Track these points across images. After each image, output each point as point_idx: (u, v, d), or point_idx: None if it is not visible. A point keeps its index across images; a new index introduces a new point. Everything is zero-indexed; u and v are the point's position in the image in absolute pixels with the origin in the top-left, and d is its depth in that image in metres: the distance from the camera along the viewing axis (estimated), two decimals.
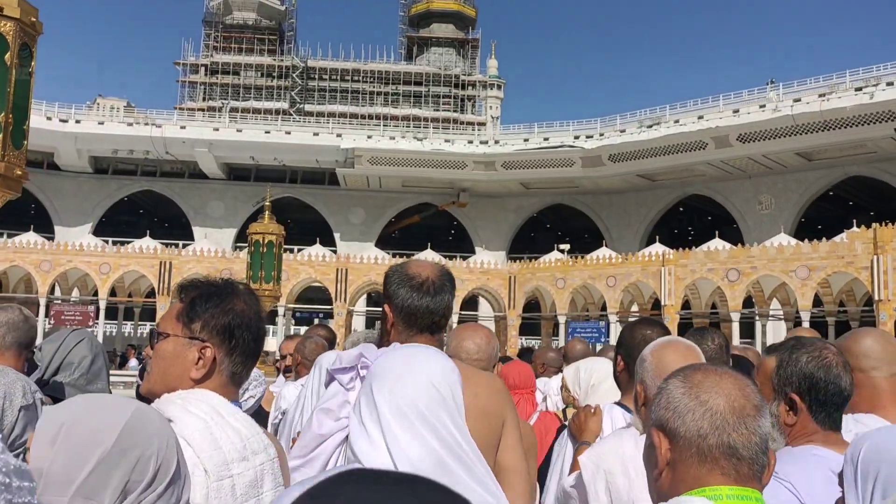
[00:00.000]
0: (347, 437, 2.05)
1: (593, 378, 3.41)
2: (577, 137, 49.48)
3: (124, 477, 1.19)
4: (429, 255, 42.96)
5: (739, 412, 1.37)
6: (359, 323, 46.20)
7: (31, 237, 42.27)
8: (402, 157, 50.77)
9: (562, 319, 39.74)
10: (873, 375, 2.30)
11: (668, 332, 2.68)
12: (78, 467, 1.17)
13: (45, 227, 50.35)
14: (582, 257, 40.73)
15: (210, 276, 1.75)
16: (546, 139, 50.44)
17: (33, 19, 3.07)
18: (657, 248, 38.82)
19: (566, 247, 44.30)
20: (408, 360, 1.70)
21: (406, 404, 1.61)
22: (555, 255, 43.03)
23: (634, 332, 2.91)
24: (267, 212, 9.62)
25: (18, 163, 3.01)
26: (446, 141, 51.52)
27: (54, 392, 2.23)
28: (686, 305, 38.05)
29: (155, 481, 1.22)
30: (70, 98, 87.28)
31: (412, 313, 2.17)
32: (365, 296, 45.84)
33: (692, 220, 55.43)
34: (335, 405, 2.11)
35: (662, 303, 36.47)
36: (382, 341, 2.24)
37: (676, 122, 45.98)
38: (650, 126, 47.12)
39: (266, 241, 8.83)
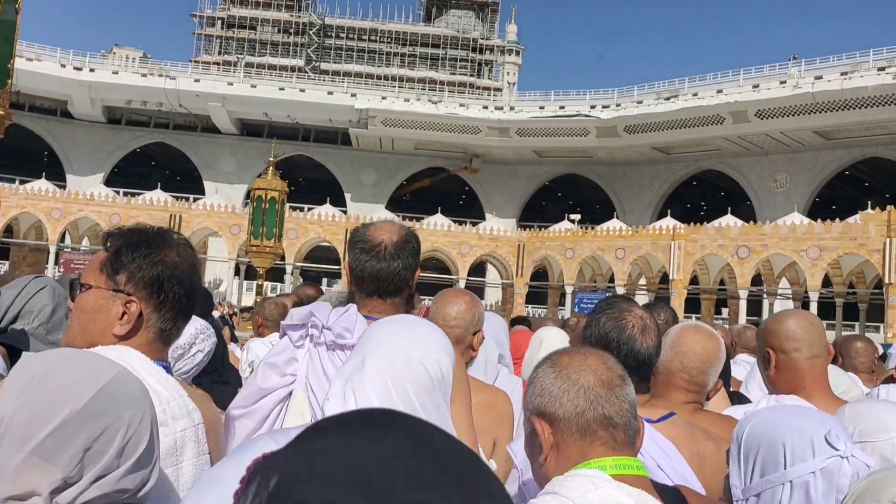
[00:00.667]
0: (290, 393, 2.06)
1: None
2: (593, 107, 48.97)
3: (85, 444, 1.08)
4: (438, 220, 42.86)
5: (608, 384, 1.46)
6: None
7: (42, 184, 42.36)
8: (415, 120, 50.41)
9: (569, 289, 39.68)
10: (794, 357, 2.33)
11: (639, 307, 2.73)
12: (41, 423, 1.07)
13: (57, 175, 50.44)
14: (592, 228, 40.54)
15: (151, 225, 1.60)
16: (562, 107, 49.94)
17: None
18: (668, 221, 38.58)
19: (577, 217, 44.10)
20: (401, 337, 1.60)
21: (394, 387, 1.52)
22: (565, 224, 42.84)
23: (608, 309, 2.94)
24: (270, 167, 9.52)
25: (3, 103, 2.92)
26: (461, 105, 51.08)
27: (13, 340, 2.13)
28: (694, 281, 37.90)
29: (121, 457, 1.09)
30: (86, 46, 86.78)
31: (360, 277, 2.14)
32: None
33: (705, 194, 55.00)
34: (281, 361, 2.10)
35: (671, 277, 36.32)
36: (350, 299, 2.22)
37: (695, 95, 45.41)
38: (667, 98, 46.57)
39: (269, 196, 8.75)
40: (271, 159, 9.64)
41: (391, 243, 2.15)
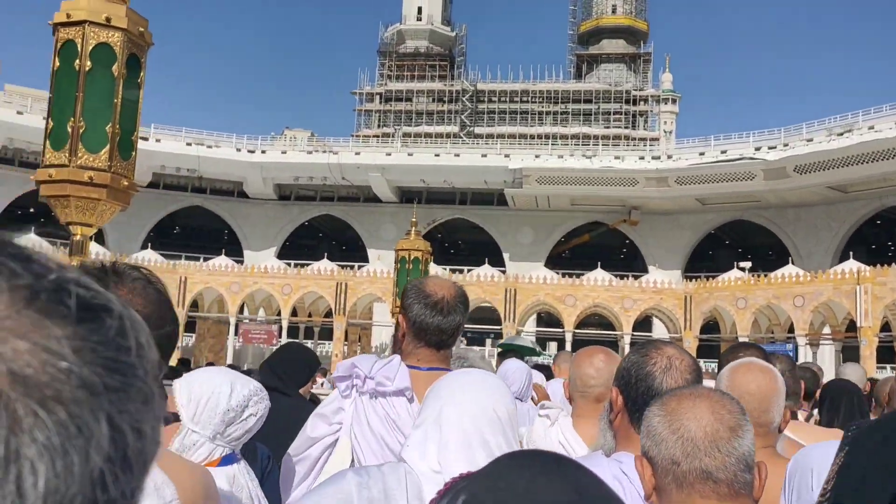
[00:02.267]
0: (336, 441, 2.32)
1: None
2: (758, 149, 46.74)
3: None
4: (599, 275, 41.94)
5: (712, 437, 1.40)
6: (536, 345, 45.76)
7: (222, 261, 45.29)
8: (570, 176, 50.07)
9: (744, 341, 37.34)
10: None
11: (764, 356, 2.70)
12: None
13: (236, 251, 53.87)
14: (765, 275, 38.23)
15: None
16: (723, 152, 48.02)
17: (142, 30, 3.04)
18: (851, 264, 35.74)
19: (747, 264, 41.77)
20: (474, 386, 1.69)
21: (471, 431, 1.62)
22: (734, 273, 40.67)
23: (729, 356, 2.92)
24: (413, 228, 9.59)
25: (126, 173, 2.97)
26: (616, 158, 50.28)
27: None
28: (886, 327, 34.69)
29: None
30: (260, 130, 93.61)
31: (423, 329, 2.30)
32: (534, 316, 45.43)
33: (891, 234, 50.73)
34: (329, 411, 2.34)
35: (858, 324, 33.45)
36: (394, 348, 2.43)
37: (871, 128, 42.33)
38: (840, 134, 43.69)
39: (412, 257, 8.77)
40: (413, 220, 9.72)
41: (451, 298, 2.33)
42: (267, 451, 2.98)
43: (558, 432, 2.71)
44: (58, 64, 2.93)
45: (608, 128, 66.88)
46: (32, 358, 0.35)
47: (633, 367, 2.01)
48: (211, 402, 2.07)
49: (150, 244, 50.21)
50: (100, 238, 48.99)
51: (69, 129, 2.86)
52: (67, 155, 2.83)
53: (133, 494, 0.38)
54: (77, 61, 2.87)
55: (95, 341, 0.37)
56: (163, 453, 1.41)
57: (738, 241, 54.79)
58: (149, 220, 55.40)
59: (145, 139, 52.20)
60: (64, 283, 0.39)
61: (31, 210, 53.33)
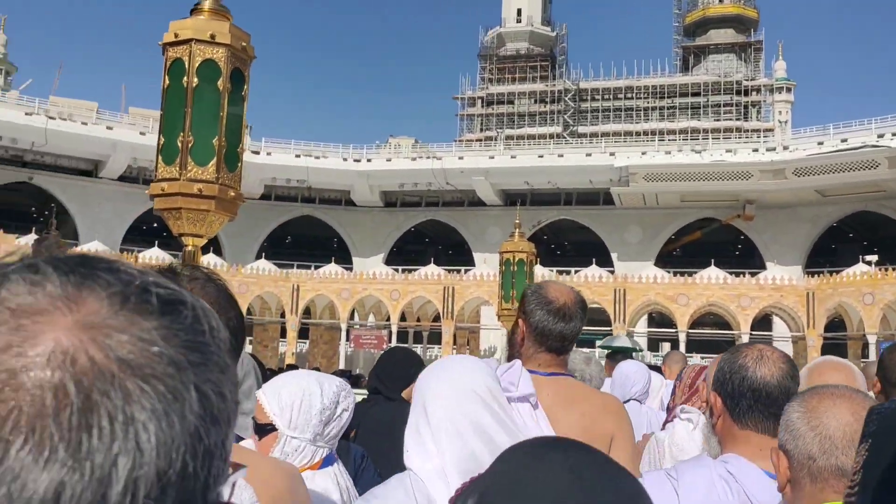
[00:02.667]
0: None
1: None
2: (881, 136, 44.18)
3: None
4: (713, 273, 40.62)
5: (850, 436, 1.42)
6: (640, 344, 44.75)
7: (332, 268, 46.42)
8: (679, 172, 48.73)
9: (871, 339, 35.42)
10: None
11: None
12: None
13: (345, 258, 55.12)
14: (894, 269, 36.10)
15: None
16: (844, 140, 45.64)
17: (244, 44, 3.13)
18: None
19: (873, 258, 39.54)
20: (449, 374, 1.72)
21: (457, 417, 1.63)
22: (860, 267, 38.57)
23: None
24: (517, 230, 9.50)
25: (233, 185, 3.06)
26: (728, 151, 48.58)
27: None
28: None
29: None
30: (366, 139, 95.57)
31: (545, 334, 2.35)
32: (645, 316, 44.43)
33: None
34: None
35: None
36: (511, 352, 2.48)
37: None
38: None
39: (517, 259, 8.70)
40: (517, 222, 9.63)
41: (572, 304, 2.38)
42: (361, 450, 3.00)
43: (701, 435, 2.68)
44: (168, 82, 3.06)
45: (718, 120, 64.77)
46: (132, 346, 0.45)
47: (727, 365, 2.03)
48: (304, 404, 2.07)
49: (263, 254, 52.00)
50: (217, 250, 51.14)
51: (179, 144, 2.98)
52: (178, 169, 2.95)
53: (223, 443, 0.49)
54: (185, 78, 2.99)
55: (177, 328, 0.48)
56: (244, 454, 1.45)
57: (863, 233, 51.93)
58: (262, 231, 57.41)
59: (256, 153, 54.22)
60: (147, 286, 0.49)
61: (155, 225, 56.25)
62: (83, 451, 0.41)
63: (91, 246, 41.47)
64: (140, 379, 0.44)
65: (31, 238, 40.48)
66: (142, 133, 50.57)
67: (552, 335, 2.35)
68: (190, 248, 3.00)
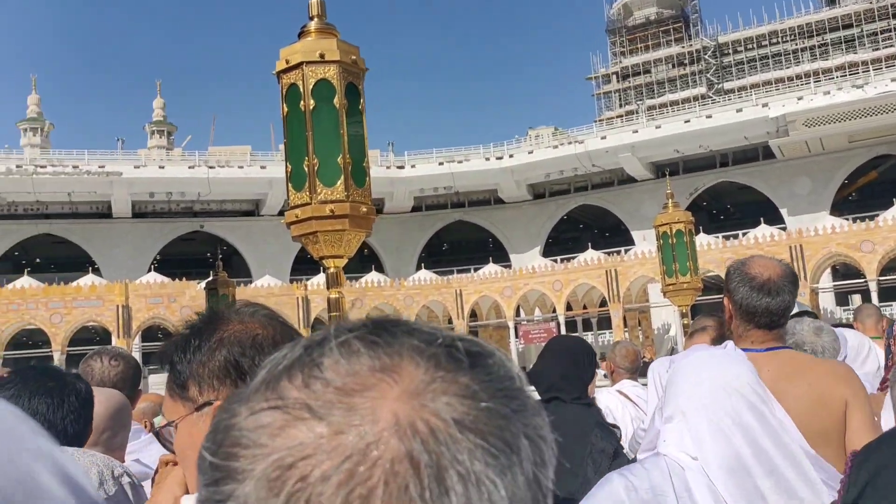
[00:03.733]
0: None
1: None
2: None
3: None
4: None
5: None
6: (827, 300, 41.98)
7: (491, 268, 46.67)
8: (843, 112, 45.28)
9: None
10: None
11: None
12: None
13: (502, 257, 55.30)
14: None
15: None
16: None
17: (354, 58, 3.08)
18: None
19: None
20: (701, 368, 1.82)
21: (720, 415, 1.68)
22: None
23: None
24: (669, 200, 9.00)
25: (364, 200, 3.01)
26: (893, 80, 44.65)
27: None
28: None
29: None
30: (504, 136, 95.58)
31: (751, 312, 2.32)
32: (828, 270, 41.57)
33: None
34: None
35: None
36: (725, 332, 2.55)
37: None
38: None
39: (674, 231, 8.22)
40: (668, 191, 9.14)
41: (777, 277, 2.34)
42: None
43: None
44: (286, 109, 3.07)
45: (877, 49, 59.68)
46: (460, 406, 0.45)
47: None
48: None
49: (422, 265, 53.08)
50: (378, 267, 52.73)
51: (305, 168, 2.98)
52: (308, 193, 2.95)
53: (550, 484, 0.48)
54: (301, 102, 2.98)
55: (490, 380, 0.47)
56: None
57: None
58: (418, 243, 58.64)
59: (401, 167, 55.55)
60: (451, 342, 0.49)
61: None
62: None
63: (263, 281, 43.90)
64: (477, 436, 0.44)
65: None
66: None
67: (758, 312, 2.31)
68: (332, 269, 2.99)
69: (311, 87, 2.97)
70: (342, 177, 2.96)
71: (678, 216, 8.49)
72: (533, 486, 0.46)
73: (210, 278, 10.04)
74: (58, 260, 51.56)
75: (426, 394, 0.45)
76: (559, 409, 3.23)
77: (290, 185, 3.10)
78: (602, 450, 2.98)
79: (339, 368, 0.46)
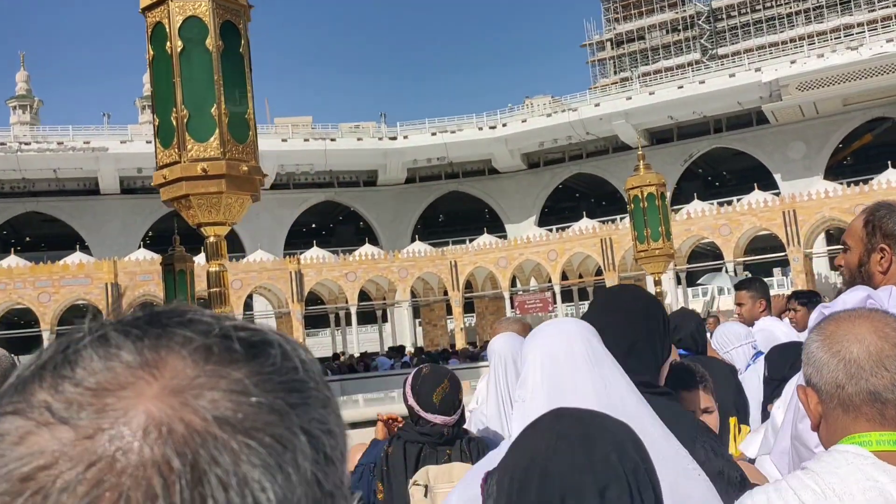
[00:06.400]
0: None
1: None
2: None
3: None
4: (891, 176, 37.03)
5: (877, 356, 1.36)
6: (821, 265, 41.71)
7: (486, 239, 46.28)
8: (836, 74, 44.63)
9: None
10: None
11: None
12: None
13: (497, 227, 54.92)
14: None
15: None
16: None
17: None
18: None
19: None
20: (545, 338, 1.67)
21: (553, 386, 1.57)
22: None
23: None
24: (641, 162, 8.58)
25: (246, 158, 2.61)
26: (889, 41, 43.95)
27: None
28: None
29: None
30: (500, 105, 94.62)
31: None
32: (822, 235, 41.22)
33: None
34: None
35: None
36: (872, 283, 2.18)
37: None
38: None
39: (645, 194, 7.82)
40: (640, 152, 8.73)
41: None
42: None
43: None
44: (152, 52, 2.65)
45: (873, 10, 58.83)
46: (227, 402, 0.41)
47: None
48: None
49: (417, 236, 52.70)
50: (373, 239, 52.36)
51: (173, 122, 2.57)
52: (177, 150, 2.55)
53: (342, 482, 0.45)
54: (168, 44, 2.57)
55: (268, 372, 0.44)
56: None
57: None
58: (413, 214, 58.19)
59: (394, 139, 54.94)
60: (227, 332, 0.45)
61: (313, 226, 58.44)
62: None
63: (255, 256, 43.48)
64: (243, 435, 0.40)
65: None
66: (284, 140, 52.42)
67: None
68: (212, 239, 2.60)
69: (177, 25, 2.54)
70: (217, 131, 2.55)
71: (649, 178, 8.08)
72: (312, 486, 0.42)
73: (168, 253, 9.65)
74: (47, 238, 51.13)
75: (189, 390, 0.41)
76: None
77: (157, 140, 2.69)
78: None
79: (93, 366, 0.41)
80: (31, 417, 0.40)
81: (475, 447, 2.79)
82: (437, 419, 2.76)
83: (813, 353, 1.42)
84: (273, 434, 0.41)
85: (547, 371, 1.59)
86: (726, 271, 38.46)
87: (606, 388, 1.56)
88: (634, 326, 2.07)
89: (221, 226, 2.62)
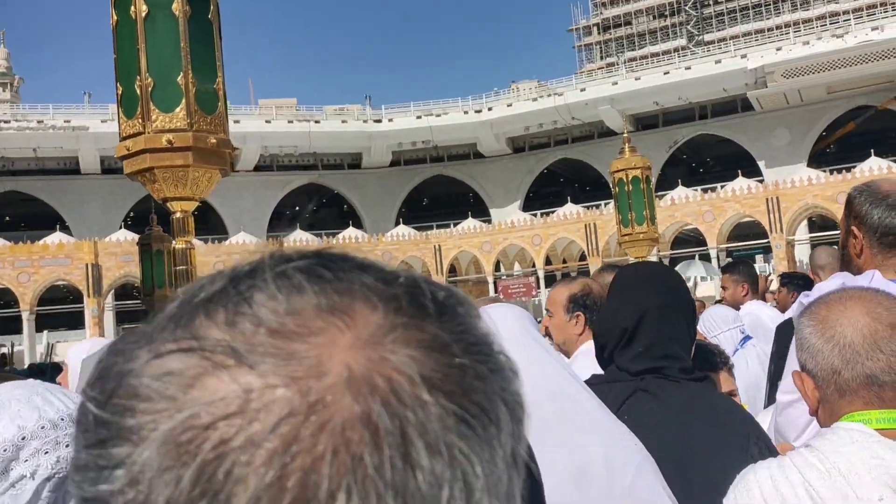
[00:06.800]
0: None
1: None
2: None
3: None
4: (874, 164, 37.25)
5: (871, 338, 1.33)
6: (803, 252, 41.93)
7: (470, 223, 46.22)
8: (821, 62, 44.70)
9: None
10: None
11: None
12: None
13: (482, 212, 54.80)
14: None
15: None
16: None
17: None
18: None
19: None
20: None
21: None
22: None
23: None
24: (626, 145, 8.48)
25: (214, 130, 2.49)
26: (874, 29, 44.05)
27: None
28: None
29: None
30: (485, 89, 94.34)
31: (890, 233, 2.07)
32: (805, 222, 41.45)
33: None
34: None
35: None
36: (851, 268, 2.16)
37: None
38: None
39: (630, 177, 7.71)
40: (625, 135, 8.65)
41: None
42: None
43: None
44: (115, 17, 2.51)
45: None
46: (429, 360, 0.35)
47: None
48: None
49: (402, 220, 52.52)
50: (357, 223, 52.13)
51: (137, 90, 2.45)
52: (141, 121, 2.43)
53: (523, 456, 0.39)
54: (132, 8, 2.44)
55: (461, 332, 0.38)
56: None
57: None
58: (397, 198, 57.95)
59: (378, 121, 54.60)
60: (415, 283, 0.39)
61: (297, 208, 58.12)
62: (413, 499, 0.32)
63: (238, 238, 43.19)
64: (450, 400, 0.35)
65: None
66: (267, 121, 51.99)
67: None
68: (179, 215, 2.48)
69: None
70: (183, 101, 2.44)
71: (635, 161, 7.98)
72: (510, 465, 0.37)
73: (145, 233, 9.48)
74: (26, 218, 50.51)
75: (386, 343, 0.35)
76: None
77: (120, 110, 2.56)
78: None
79: (276, 306, 0.36)
80: (208, 357, 0.34)
81: None
82: None
83: (806, 338, 1.39)
84: (478, 402, 0.36)
85: None
86: (709, 259, 38.66)
87: (533, 366, 1.45)
88: (675, 307, 1.99)
89: (188, 201, 2.50)
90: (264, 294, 0.36)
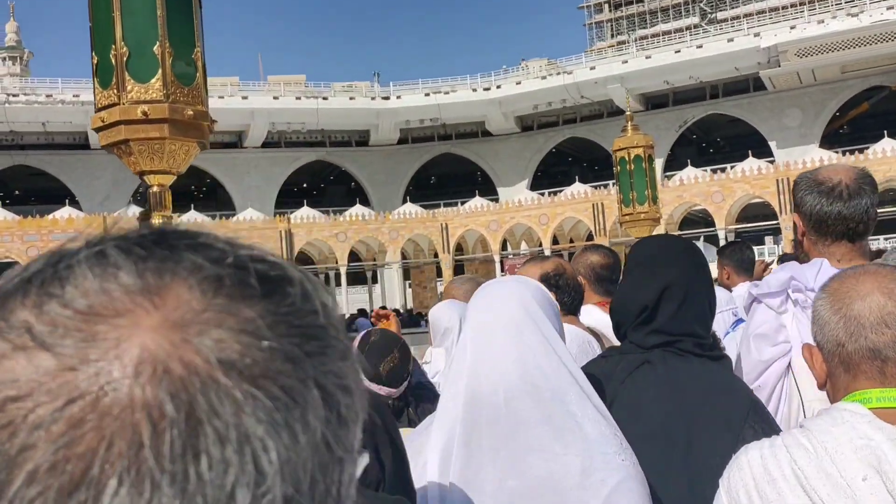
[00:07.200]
0: (789, 364, 2.06)
1: None
2: None
3: None
4: (887, 145, 36.85)
5: (878, 313, 1.32)
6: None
7: (477, 202, 46.07)
8: (836, 41, 44.14)
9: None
10: None
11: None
12: None
13: (490, 190, 54.65)
14: None
15: None
16: None
17: None
18: None
19: None
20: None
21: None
22: None
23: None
24: (629, 123, 8.36)
25: (191, 102, 2.43)
26: (889, 8, 43.40)
27: None
28: None
29: None
30: (496, 65, 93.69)
31: (822, 221, 2.10)
32: None
33: None
34: (770, 330, 2.09)
35: None
36: (797, 253, 2.23)
37: None
38: None
39: (632, 156, 7.60)
40: (629, 113, 8.52)
41: (850, 181, 2.10)
42: None
43: None
44: None
45: None
46: (235, 343, 0.35)
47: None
48: None
49: (409, 198, 52.39)
50: (364, 200, 52.05)
51: (112, 60, 2.39)
52: (116, 91, 2.38)
53: (353, 447, 0.38)
54: None
55: (285, 313, 0.37)
56: None
57: None
58: (405, 176, 57.83)
59: (386, 98, 54.33)
60: (242, 263, 0.39)
61: (304, 185, 58.08)
62: (192, 485, 0.32)
63: (245, 214, 43.21)
64: (250, 384, 0.34)
65: (194, 215, 42.80)
66: (275, 98, 51.83)
67: (830, 219, 2.08)
68: (155, 188, 2.43)
69: None
70: (160, 71, 2.38)
71: (636, 139, 7.86)
72: (321, 448, 0.36)
73: (142, 209, 9.39)
74: (35, 192, 50.64)
75: (193, 325, 0.35)
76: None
77: (95, 80, 2.50)
78: None
79: (86, 286, 0.35)
80: (8, 339, 0.34)
81: (422, 413, 2.62)
82: (382, 391, 2.56)
83: (817, 310, 1.40)
84: (283, 385, 0.35)
85: (474, 335, 1.56)
86: (717, 241, 38.43)
87: (524, 356, 1.50)
88: (699, 282, 1.94)
89: (166, 174, 2.45)
90: (77, 273, 0.36)
